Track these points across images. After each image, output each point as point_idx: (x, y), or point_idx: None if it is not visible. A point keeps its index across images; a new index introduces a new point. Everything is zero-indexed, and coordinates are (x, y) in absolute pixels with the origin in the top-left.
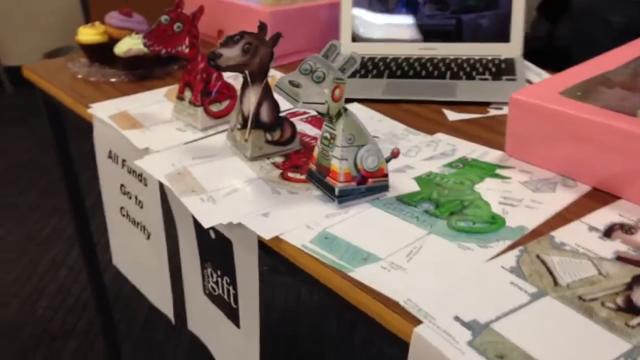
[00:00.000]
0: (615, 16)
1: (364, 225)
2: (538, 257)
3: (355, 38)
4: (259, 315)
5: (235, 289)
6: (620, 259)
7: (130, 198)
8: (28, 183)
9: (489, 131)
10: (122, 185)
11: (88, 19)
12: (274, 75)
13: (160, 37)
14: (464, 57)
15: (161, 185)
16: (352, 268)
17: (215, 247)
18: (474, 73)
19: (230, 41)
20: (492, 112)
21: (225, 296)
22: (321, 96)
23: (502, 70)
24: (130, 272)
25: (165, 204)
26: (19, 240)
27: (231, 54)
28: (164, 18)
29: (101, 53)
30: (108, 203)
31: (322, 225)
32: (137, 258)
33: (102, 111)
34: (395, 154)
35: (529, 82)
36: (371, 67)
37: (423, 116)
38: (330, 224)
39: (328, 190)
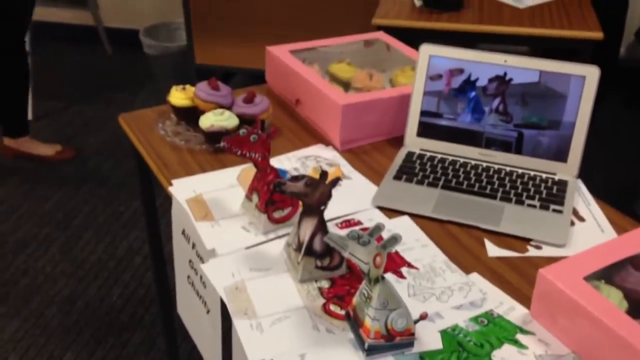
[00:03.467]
0: None
1: None
2: None
3: (421, 133)
4: None
5: None
6: None
7: (197, 274)
8: (123, 155)
9: (522, 278)
10: (190, 261)
11: None
12: (339, 164)
13: (238, 142)
14: (519, 171)
15: None
16: None
17: None
18: (524, 195)
19: (295, 178)
20: (531, 251)
21: None
22: (365, 256)
23: (552, 196)
24: (190, 326)
25: None
26: (103, 220)
27: (295, 184)
28: (241, 132)
29: (188, 115)
30: (178, 266)
31: None
32: (197, 320)
33: (180, 192)
34: (423, 317)
35: (576, 213)
36: (429, 171)
37: (465, 245)
38: None
39: (359, 340)
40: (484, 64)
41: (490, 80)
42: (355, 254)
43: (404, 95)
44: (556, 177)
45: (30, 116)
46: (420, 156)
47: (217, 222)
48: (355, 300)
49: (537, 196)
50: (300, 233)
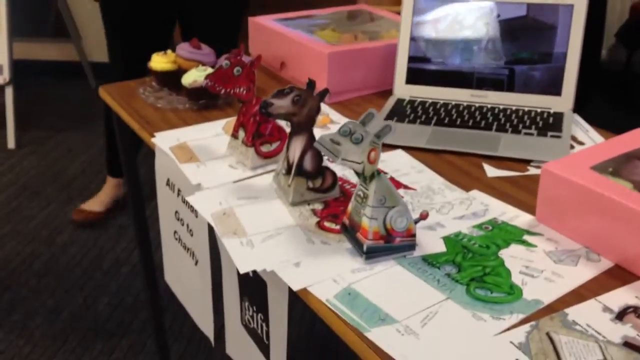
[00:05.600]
0: None
1: (387, 284)
2: (547, 335)
3: (409, 80)
4: (286, 356)
5: (267, 326)
6: (627, 344)
7: (183, 225)
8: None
9: (524, 191)
10: (176, 212)
11: None
12: (328, 113)
13: (221, 79)
14: (514, 108)
15: None
16: (368, 328)
17: (253, 285)
18: (520, 126)
19: (281, 93)
20: (532, 170)
21: (259, 331)
22: (358, 156)
23: (549, 125)
24: (178, 290)
25: (213, 235)
26: (88, 236)
27: (281, 103)
28: (224, 62)
29: (170, 80)
30: (164, 225)
31: (347, 281)
32: (185, 279)
33: (163, 141)
34: (423, 217)
35: (575, 139)
36: (421, 112)
37: (463, 169)
38: (355, 280)
39: (357, 246)
40: (470, 2)
41: (478, 19)
42: (348, 157)
43: (391, 45)
44: (551, 111)
45: (13, 145)
46: (411, 102)
47: (203, 162)
48: (350, 206)
49: (533, 126)
50: (289, 155)
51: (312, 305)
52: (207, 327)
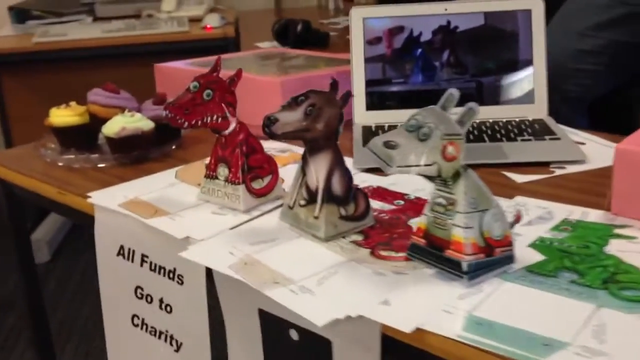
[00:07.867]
0: (569, 85)
1: (515, 304)
2: None
3: (370, 106)
4: None
5: None
6: None
7: (150, 302)
8: None
9: (571, 191)
10: (138, 288)
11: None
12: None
13: (184, 108)
14: (491, 120)
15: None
16: (540, 358)
17: (298, 353)
18: (511, 134)
19: (293, 103)
20: (558, 172)
21: None
22: (427, 157)
23: (539, 130)
24: None
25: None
26: None
27: (289, 118)
28: (192, 85)
29: (78, 137)
30: (112, 313)
31: (463, 309)
32: None
33: (106, 200)
34: (518, 218)
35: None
36: None
37: (488, 180)
38: (472, 307)
39: (450, 266)
40: (424, 16)
41: (435, 33)
42: (408, 162)
43: (343, 72)
44: (530, 118)
45: None
46: (380, 127)
47: (176, 214)
48: (424, 220)
49: (525, 133)
50: (308, 181)
51: (436, 349)
52: None
